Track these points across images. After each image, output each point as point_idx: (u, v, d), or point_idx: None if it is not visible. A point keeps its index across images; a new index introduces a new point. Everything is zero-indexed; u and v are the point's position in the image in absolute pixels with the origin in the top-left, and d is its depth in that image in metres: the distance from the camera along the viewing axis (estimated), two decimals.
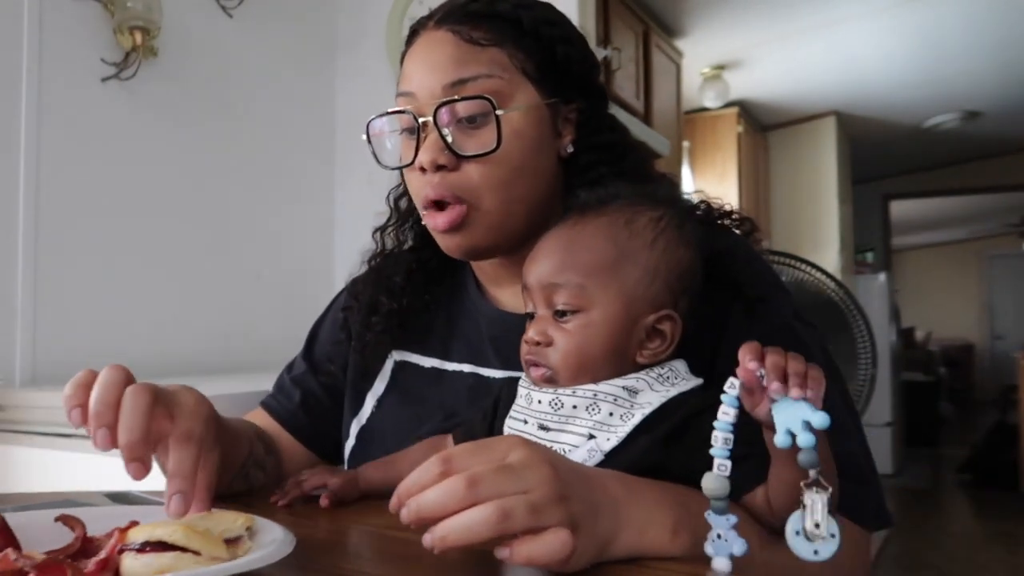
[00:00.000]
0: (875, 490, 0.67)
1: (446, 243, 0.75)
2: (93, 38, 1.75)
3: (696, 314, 0.65)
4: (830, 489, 0.46)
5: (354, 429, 0.85)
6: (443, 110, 0.70)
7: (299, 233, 2.34)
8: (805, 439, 0.46)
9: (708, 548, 0.49)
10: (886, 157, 5.99)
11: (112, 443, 0.53)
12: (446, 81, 0.71)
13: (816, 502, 0.46)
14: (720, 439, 0.49)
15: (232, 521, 0.51)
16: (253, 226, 2.17)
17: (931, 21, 3.62)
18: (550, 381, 0.63)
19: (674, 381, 0.62)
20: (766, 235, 4.85)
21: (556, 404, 0.61)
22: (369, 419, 0.85)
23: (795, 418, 0.46)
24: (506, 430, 0.65)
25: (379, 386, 0.86)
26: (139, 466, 0.53)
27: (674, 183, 0.81)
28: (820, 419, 0.46)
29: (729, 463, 0.49)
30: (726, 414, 0.49)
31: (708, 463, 0.57)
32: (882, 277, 5.27)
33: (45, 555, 0.49)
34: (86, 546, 0.52)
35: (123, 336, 1.79)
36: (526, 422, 0.63)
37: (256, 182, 2.18)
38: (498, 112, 0.70)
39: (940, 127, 5.19)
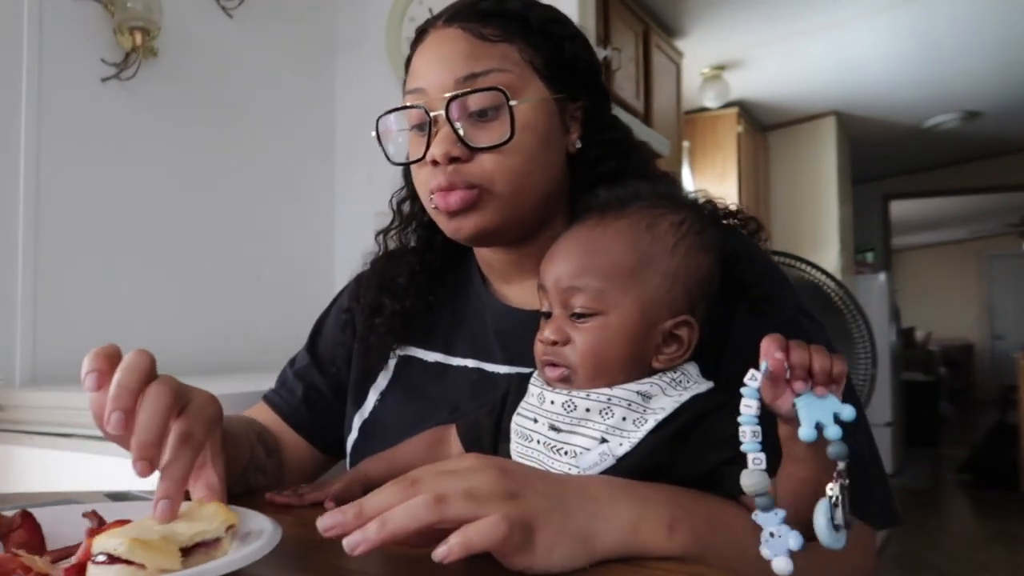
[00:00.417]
0: (881, 488, 0.67)
1: (455, 225, 0.74)
2: (93, 38, 1.75)
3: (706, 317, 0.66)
4: (848, 480, 0.46)
5: (356, 423, 0.85)
6: (455, 104, 0.71)
7: (299, 233, 2.34)
8: (834, 431, 0.45)
9: (764, 550, 0.47)
10: (886, 157, 5.99)
11: (124, 427, 0.52)
12: (458, 75, 0.71)
13: (845, 494, 0.46)
14: (748, 433, 0.47)
15: (211, 521, 0.50)
16: (253, 226, 2.17)
17: (931, 21, 3.62)
18: (566, 381, 0.63)
19: (686, 385, 0.62)
20: (766, 235, 4.84)
21: (569, 406, 0.61)
22: (372, 413, 0.85)
23: (822, 412, 0.46)
24: (514, 426, 0.65)
25: (382, 380, 0.86)
26: (146, 465, 0.52)
27: (676, 182, 0.82)
28: (848, 412, 0.45)
29: (763, 455, 0.47)
30: (748, 406, 0.48)
31: (715, 463, 0.57)
32: (882, 277, 5.27)
33: (56, 552, 0.50)
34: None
35: (123, 336, 1.78)
36: (536, 420, 0.63)
37: (256, 182, 2.18)
38: (512, 103, 0.70)
39: (940, 127, 5.19)
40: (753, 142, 4.68)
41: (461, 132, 0.71)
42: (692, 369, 0.64)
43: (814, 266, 2.45)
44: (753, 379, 0.48)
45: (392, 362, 0.86)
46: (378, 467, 0.74)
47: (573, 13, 2.19)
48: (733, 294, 0.69)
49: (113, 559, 0.44)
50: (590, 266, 0.63)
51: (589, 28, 2.41)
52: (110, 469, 1.18)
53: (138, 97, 1.85)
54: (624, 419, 0.59)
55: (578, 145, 0.78)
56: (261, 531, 0.51)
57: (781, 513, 0.47)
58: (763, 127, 5.02)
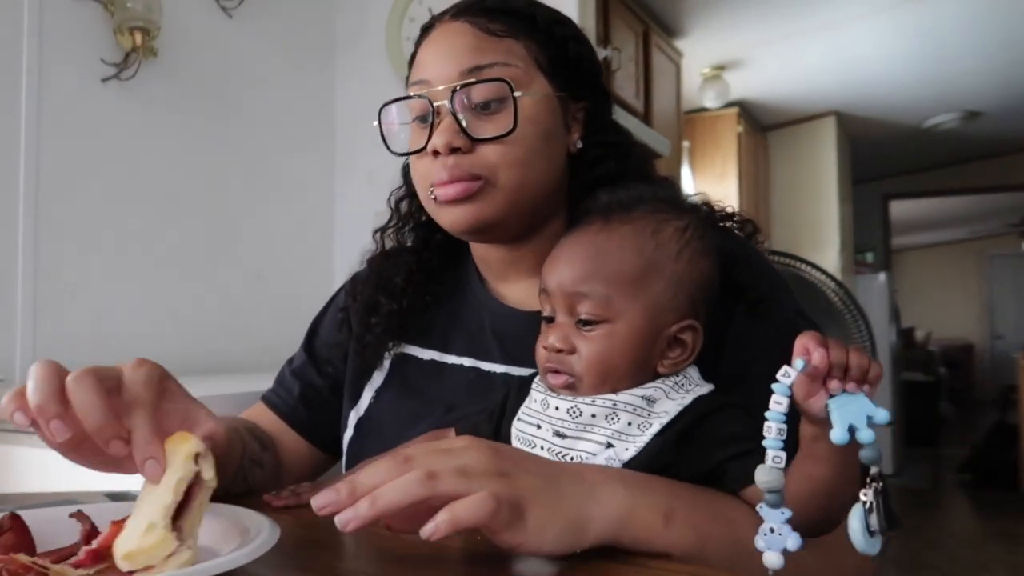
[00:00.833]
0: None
1: (455, 215, 0.73)
2: (93, 38, 1.75)
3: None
4: (882, 484, 0.45)
5: (352, 420, 0.85)
6: (458, 95, 0.71)
7: (299, 233, 2.34)
8: (867, 435, 0.44)
9: (759, 542, 0.46)
10: (886, 157, 5.99)
11: (68, 431, 0.51)
12: (463, 67, 0.72)
13: (879, 499, 0.45)
14: (774, 429, 0.46)
15: (180, 467, 0.50)
16: (253, 226, 2.17)
17: (931, 21, 3.62)
18: (571, 388, 0.63)
19: (688, 388, 0.62)
20: (766, 235, 4.85)
21: (575, 412, 0.61)
22: (367, 410, 0.85)
23: (855, 414, 0.45)
24: (514, 432, 0.65)
25: (377, 378, 0.86)
26: (119, 443, 0.51)
27: (675, 186, 0.82)
28: (883, 416, 0.44)
29: (784, 454, 0.46)
30: (779, 403, 0.46)
31: (717, 460, 0.57)
32: (882, 277, 5.27)
33: (46, 553, 0.50)
34: (89, 542, 0.52)
35: (123, 336, 1.79)
36: (539, 427, 0.63)
37: (256, 182, 2.18)
38: (516, 95, 0.71)
39: (940, 127, 5.19)
40: (753, 142, 4.68)
41: (464, 123, 0.71)
42: (693, 372, 0.64)
43: (814, 266, 2.45)
44: (786, 376, 0.47)
45: (388, 360, 0.86)
46: None
47: (573, 13, 2.19)
48: (730, 297, 0.69)
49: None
50: (596, 272, 0.63)
51: (589, 28, 2.41)
52: (81, 465, 1.18)
53: (138, 97, 1.85)
54: (630, 424, 0.60)
55: (579, 145, 0.78)
56: (259, 530, 0.51)
57: (787, 513, 0.46)
58: (763, 127, 5.02)
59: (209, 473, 0.51)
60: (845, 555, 0.57)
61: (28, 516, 0.53)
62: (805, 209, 5.00)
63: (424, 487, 0.47)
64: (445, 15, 0.77)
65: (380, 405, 0.84)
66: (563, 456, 0.60)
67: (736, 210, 0.77)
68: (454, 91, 0.71)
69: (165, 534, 0.47)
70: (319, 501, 0.48)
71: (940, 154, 6.03)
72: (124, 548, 0.47)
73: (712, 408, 0.60)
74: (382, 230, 0.90)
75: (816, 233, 4.93)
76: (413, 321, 0.85)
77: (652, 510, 0.53)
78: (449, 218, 0.74)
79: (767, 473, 0.46)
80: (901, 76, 4.32)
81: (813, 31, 3.67)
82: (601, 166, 0.77)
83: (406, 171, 0.86)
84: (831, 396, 0.46)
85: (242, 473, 0.76)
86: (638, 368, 0.62)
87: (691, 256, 0.64)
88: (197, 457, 0.51)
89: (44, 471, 1.40)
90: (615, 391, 0.61)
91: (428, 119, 0.73)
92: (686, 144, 4.03)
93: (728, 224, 0.75)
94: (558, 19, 0.79)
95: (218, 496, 0.55)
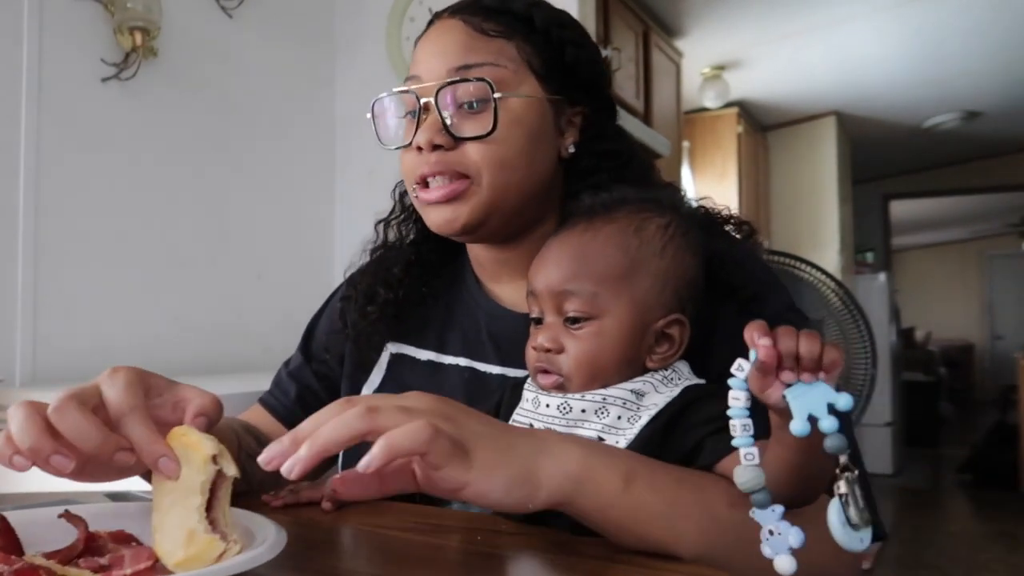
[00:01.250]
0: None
1: (438, 216, 0.74)
2: (93, 38, 1.75)
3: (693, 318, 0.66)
4: (857, 471, 0.43)
5: None
6: (445, 92, 0.72)
7: (299, 233, 2.34)
8: (829, 423, 0.42)
9: (765, 549, 0.44)
10: (886, 157, 5.99)
11: (71, 461, 0.50)
12: (451, 65, 0.72)
13: (854, 489, 0.42)
14: (739, 427, 0.44)
15: (199, 468, 0.50)
16: (253, 226, 2.17)
17: (931, 21, 3.62)
18: (561, 388, 0.63)
19: (678, 383, 0.63)
20: (766, 235, 4.86)
21: (565, 408, 0.62)
22: None
23: (814, 402, 0.42)
24: None
25: (375, 378, 0.86)
26: (124, 454, 0.51)
27: (678, 191, 0.82)
28: (844, 401, 0.42)
29: (756, 450, 0.44)
30: (737, 399, 0.45)
31: (698, 437, 0.58)
32: (882, 277, 5.27)
33: (40, 556, 0.49)
34: (89, 544, 0.52)
35: (123, 336, 1.79)
36: (531, 426, 0.63)
37: (256, 182, 2.18)
38: (496, 96, 0.71)
39: (940, 127, 5.18)
40: (753, 142, 4.68)
41: (449, 121, 0.72)
42: (684, 367, 0.65)
43: (814, 266, 2.46)
44: (740, 369, 0.45)
45: (384, 359, 0.86)
46: None
47: (573, 13, 2.19)
48: (721, 296, 0.70)
49: None
50: (582, 270, 0.64)
51: (589, 28, 2.40)
52: (82, 482, 1.18)
53: (138, 97, 1.85)
54: (619, 417, 0.60)
55: (571, 150, 0.78)
56: (265, 535, 0.51)
57: (779, 509, 0.44)
58: (763, 127, 5.02)
59: (231, 469, 0.52)
60: (830, 555, 0.58)
61: (16, 517, 0.53)
62: (805, 209, 5.00)
63: (363, 421, 0.46)
64: (444, 12, 0.78)
65: None
66: None
67: (734, 212, 0.78)
68: (439, 89, 0.72)
69: (209, 539, 0.48)
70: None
71: (940, 154, 6.03)
72: (173, 558, 0.48)
73: (699, 395, 0.61)
74: (384, 222, 0.90)
75: (816, 233, 4.93)
76: (409, 314, 0.86)
77: (610, 469, 0.52)
78: (432, 218, 0.76)
79: (744, 472, 0.44)
80: (901, 76, 4.32)
81: (813, 31, 3.66)
82: (594, 176, 0.77)
83: None
84: (787, 386, 0.44)
85: (240, 466, 0.76)
86: (627, 364, 0.63)
87: (675, 252, 0.65)
88: (215, 458, 0.52)
89: (44, 471, 1.40)
90: (605, 387, 0.62)
91: (416, 114, 0.74)
92: (686, 144, 4.03)
93: (727, 227, 0.76)
94: (560, 22, 0.78)
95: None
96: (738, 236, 0.77)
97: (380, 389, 0.85)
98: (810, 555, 0.49)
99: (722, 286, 0.70)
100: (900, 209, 7.19)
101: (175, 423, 0.55)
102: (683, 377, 0.64)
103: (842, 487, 0.42)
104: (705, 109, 4.30)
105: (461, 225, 0.74)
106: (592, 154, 0.79)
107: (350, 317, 0.88)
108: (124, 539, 0.55)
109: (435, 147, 0.72)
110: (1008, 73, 4.28)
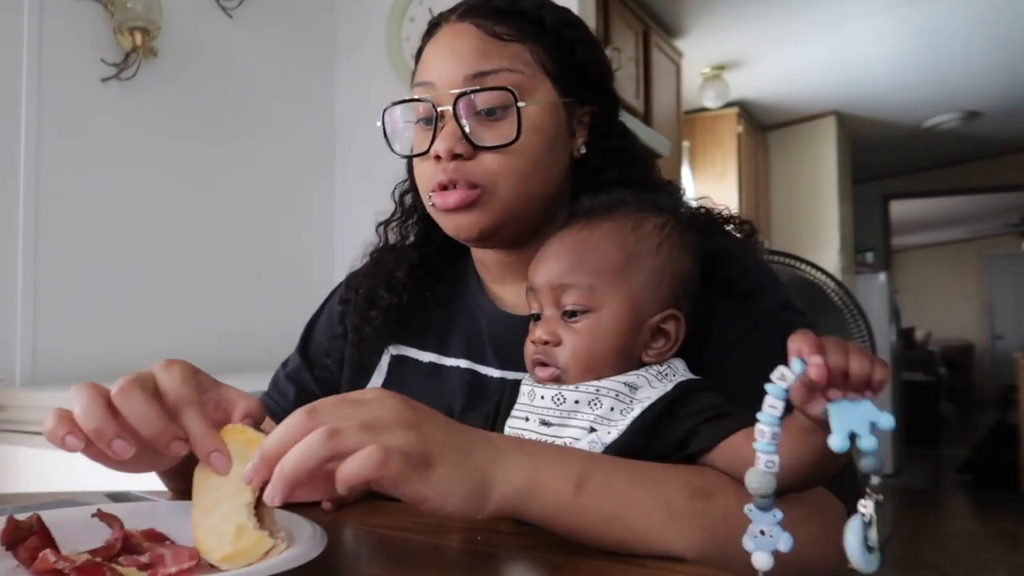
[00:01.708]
0: (852, 490, 0.66)
1: (454, 222, 0.74)
2: (93, 38, 1.75)
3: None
4: (882, 496, 0.42)
5: None
6: (463, 100, 0.71)
7: (299, 233, 2.34)
8: (869, 443, 0.41)
9: (748, 543, 0.43)
10: (886, 157, 5.99)
11: (132, 447, 0.51)
12: (468, 72, 0.72)
13: (879, 513, 0.41)
14: (768, 434, 0.43)
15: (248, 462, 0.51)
16: (253, 226, 2.17)
17: (931, 21, 3.62)
18: (557, 380, 0.64)
19: (672, 378, 0.63)
20: (766, 235, 4.86)
21: (559, 399, 0.63)
22: None
23: (858, 419, 0.41)
24: (506, 429, 0.66)
25: (376, 380, 0.85)
26: (179, 443, 0.52)
27: (679, 190, 0.82)
28: (887, 422, 0.41)
29: (777, 459, 0.43)
30: (774, 408, 0.43)
31: (688, 428, 0.58)
32: (882, 277, 5.27)
33: (86, 554, 0.50)
34: (125, 543, 0.52)
35: (123, 336, 1.79)
36: (527, 419, 0.64)
37: (256, 182, 2.18)
38: (520, 104, 0.70)
39: (940, 127, 5.19)
40: (753, 142, 4.68)
41: (467, 129, 0.71)
42: (679, 364, 0.66)
43: (814, 266, 2.45)
44: (782, 379, 0.43)
45: (386, 361, 0.86)
46: None
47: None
48: (716, 292, 0.70)
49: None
50: (580, 264, 0.65)
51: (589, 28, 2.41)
52: (110, 469, 1.18)
53: (138, 97, 1.85)
54: (612, 409, 0.61)
55: (582, 150, 0.78)
56: (303, 534, 0.52)
57: (779, 515, 0.43)
58: (763, 127, 5.02)
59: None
60: (823, 534, 0.58)
61: (48, 517, 0.53)
62: (805, 209, 5.00)
63: (326, 447, 0.45)
64: (452, 14, 0.77)
65: None
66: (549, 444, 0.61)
67: (735, 212, 0.78)
68: (458, 97, 0.71)
69: (259, 535, 0.49)
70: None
71: (940, 154, 6.03)
72: (219, 553, 0.48)
73: (692, 389, 0.61)
74: (385, 223, 0.90)
75: (816, 233, 4.93)
76: (411, 317, 0.85)
77: (559, 479, 0.52)
78: (448, 225, 0.75)
79: (759, 478, 0.43)
80: (901, 76, 4.32)
81: (813, 31, 3.66)
82: (603, 174, 0.77)
83: (410, 165, 0.86)
84: (829, 400, 0.43)
85: None
86: (623, 358, 0.63)
87: (671, 249, 0.66)
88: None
89: (44, 471, 1.40)
90: (599, 379, 0.63)
91: (432, 122, 0.73)
92: (686, 144, 4.03)
93: (727, 227, 0.77)
94: (568, 21, 0.78)
95: None
96: (738, 235, 0.77)
97: None
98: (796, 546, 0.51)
99: (719, 281, 0.70)
100: (900, 209, 7.19)
101: (216, 422, 0.56)
102: (677, 373, 0.64)
103: (869, 508, 0.41)
104: (705, 109, 4.30)
105: (478, 232, 0.73)
106: (600, 152, 0.79)
107: (351, 321, 0.88)
108: (157, 537, 0.55)
109: (454, 156, 0.71)
110: (1008, 73, 4.28)
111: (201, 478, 0.53)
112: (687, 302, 0.67)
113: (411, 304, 0.85)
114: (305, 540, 0.50)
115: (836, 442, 0.41)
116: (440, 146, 0.71)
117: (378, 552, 0.59)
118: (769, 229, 4.90)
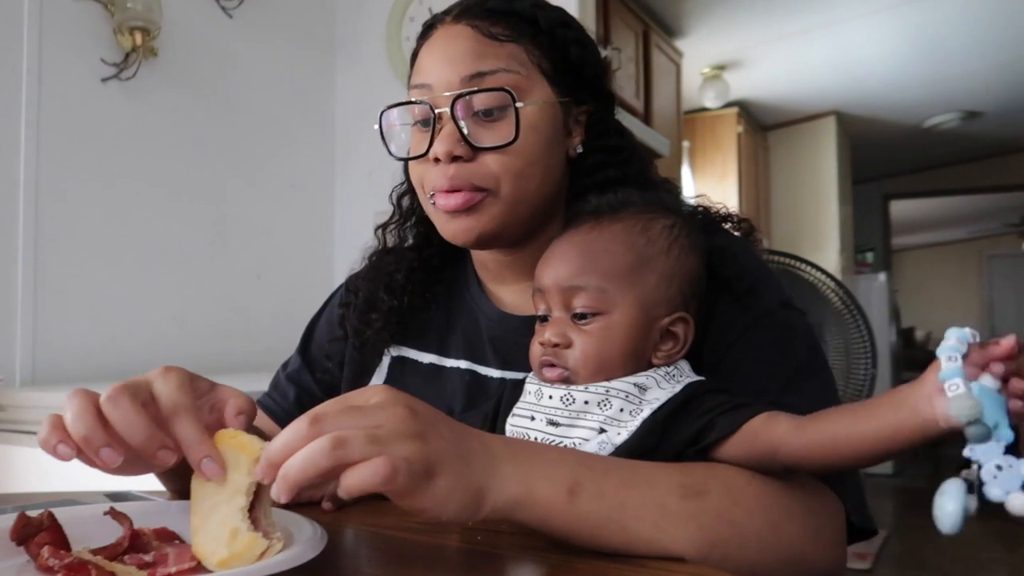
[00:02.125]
0: (854, 487, 0.66)
1: (455, 226, 0.73)
2: (93, 38, 1.75)
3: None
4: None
5: None
6: (460, 102, 0.70)
7: (299, 233, 2.34)
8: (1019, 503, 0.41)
9: (992, 490, 0.41)
10: (886, 157, 5.99)
11: (119, 456, 0.51)
12: (464, 73, 0.71)
13: (978, 482, 0.41)
14: (953, 337, 0.42)
15: (242, 469, 0.51)
16: (253, 226, 2.17)
17: (931, 21, 3.62)
18: (566, 381, 0.64)
19: (679, 379, 0.63)
20: (766, 235, 4.86)
21: (568, 399, 0.63)
22: None
23: (1011, 480, 0.41)
24: (508, 428, 0.66)
25: (377, 381, 0.85)
26: (166, 452, 0.52)
27: (676, 188, 0.82)
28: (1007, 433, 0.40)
29: (959, 381, 0.41)
30: (955, 353, 0.42)
31: (703, 423, 0.58)
32: (882, 277, 5.27)
33: (86, 552, 0.50)
34: (134, 541, 0.53)
35: (123, 336, 1.79)
36: (533, 418, 0.64)
37: (256, 182, 2.18)
38: (518, 104, 0.70)
39: (940, 127, 5.19)
40: (753, 142, 4.68)
41: (465, 131, 0.70)
42: (685, 365, 0.66)
43: (814, 266, 2.46)
44: (963, 339, 0.42)
45: (386, 362, 0.86)
46: None
47: (573, 13, 2.19)
48: (716, 288, 0.70)
49: None
50: (590, 266, 0.65)
51: (589, 28, 2.40)
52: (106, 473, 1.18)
53: (138, 97, 1.85)
54: (621, 410, 0.61)
55: (579, 150, 0.78)
56: (303, 534, 0.52)
57: (1004, 438, 0.39)
58: (763, 127, 5.02)
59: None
60: (825, 526, 0.59)
61: (61, 514, 0.54)
62: (805, 209, 5.01)
63: (330, 457, 0.45)
64: (447, 16, 0.76)
65: None
66: (557, 444, 0.61)
67: (732, 210, 0.78)
68: (456, 98, 0.70)
69: (253, 536, 0.49)
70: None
71: (940, 154, 6.04)
72: (216, 556, 0.49)
73: (701, 391, 0.62)
74: (384, 226, 0.90)
75: (816, 233, 4.94)
76: (411, 320, 0.85)
77: (553, 484, 0.53)
78: (449, 229, 0.75)
79: (959, 401, 0.39)
80: (901, 76, 4.32)
81: (813, 31, 3.67)
82: (601, 172, 0.77)
83: (407, 167, 0.86)
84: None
85: None
86: (633, 360, 0.63)
87: (680, 251, 0.66)
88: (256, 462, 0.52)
89: (44, 471, 1.40)
90: (608, 380, 0.63)
91: (430, 124, 0.72)
92: (686, 144, 4.03)
93: (726, 225, 0.77)
94: (562, 21, 0.78)
95: None
96: (736, 233, 0.77)
97: None
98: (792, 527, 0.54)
99: (718, 279, 0.70)
100: (900, 209, 7.19)
101: (211, 423, 0.56)
102: (684, 375, 0.65)
103: (973, 475, 0.40)
104: (705, 109, 4.30)
105: (477, 235, 0.73)
106: (597, 151, 0.78)
107: (351, 323, 0.88)
108: (168, 536, 0.55)
109: (454, 158, 0.71)
110: (1008, 73, 4.28)
111: (198, 485, 0.53)
112: (695, 303, 0.67)
113: (411, 306, 0.85)
114: (305, 540, 0.50)
115: (987, 418, 0.39)
116: (439, 148, 0.71)
117: (378, 552, 0.60)
118: (769, 229, 4.90)
